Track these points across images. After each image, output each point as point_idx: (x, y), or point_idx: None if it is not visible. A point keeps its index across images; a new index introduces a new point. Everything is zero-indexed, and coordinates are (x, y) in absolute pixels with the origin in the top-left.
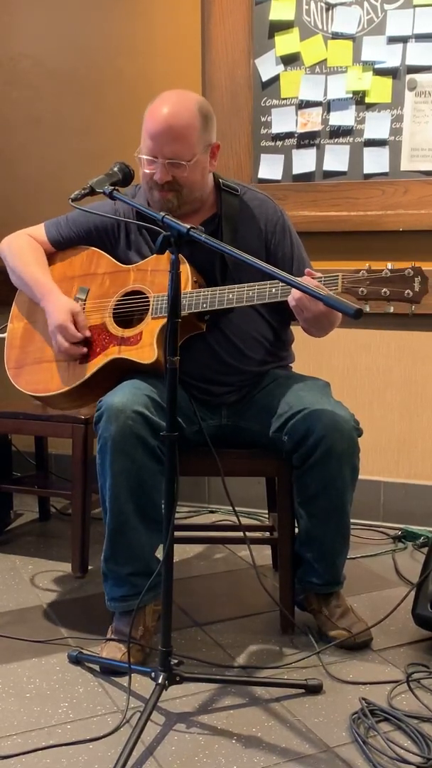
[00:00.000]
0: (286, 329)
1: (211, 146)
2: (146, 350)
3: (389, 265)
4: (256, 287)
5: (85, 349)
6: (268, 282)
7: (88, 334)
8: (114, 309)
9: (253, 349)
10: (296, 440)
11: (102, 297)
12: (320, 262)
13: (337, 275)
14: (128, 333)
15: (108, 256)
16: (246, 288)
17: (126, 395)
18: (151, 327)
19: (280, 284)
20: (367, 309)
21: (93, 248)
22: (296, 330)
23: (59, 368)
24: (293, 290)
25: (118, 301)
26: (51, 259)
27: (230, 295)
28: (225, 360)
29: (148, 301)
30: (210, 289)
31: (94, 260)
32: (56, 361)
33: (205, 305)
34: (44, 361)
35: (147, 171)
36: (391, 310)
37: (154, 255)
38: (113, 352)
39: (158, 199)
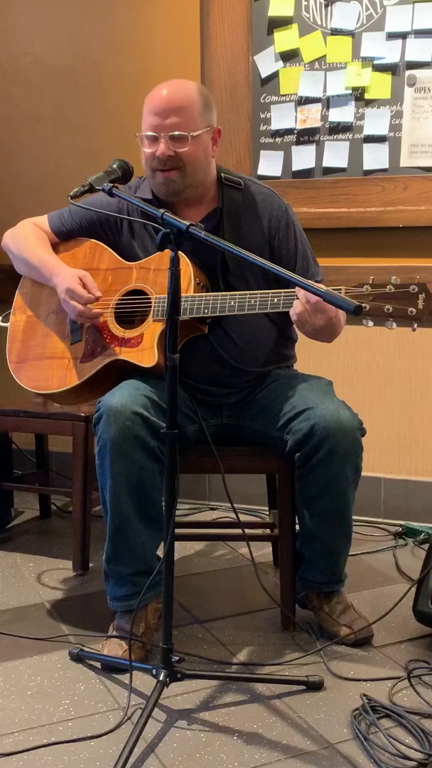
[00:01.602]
0: (290, 329)
1: (213, 130)
2: (147, 353)
3: (393, 278)
4: (259, 295)
5: (100, 312)
6: (271, 291)
7: (98, 294)
8: (115, 308)
9: (256, 350)
10: (299, 440)
11: (104, 294)
12: (320, 259)
13: (340, 289)
14: (129, 334)
15: (110, 250)
16: (248, 296)
17: (125, 396)
18: (152, 329)
19: (283, 294)
20: (371, 324)
21: (96, 241)
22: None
23: (60, 366)
24: (294, 303)
25: (120, 300)
26: (54, 250)
27: (232, 302)
28: (227, 362)
29: (150, 302)
30: (212, 294)
31: (97, 254)
32: (57, 358)
33: (206, 311)
34: (45, 358)
35: (148, 151)
36: (394, 326)
37: (157, 253)
38: (114, 353)
39: (161, 181)
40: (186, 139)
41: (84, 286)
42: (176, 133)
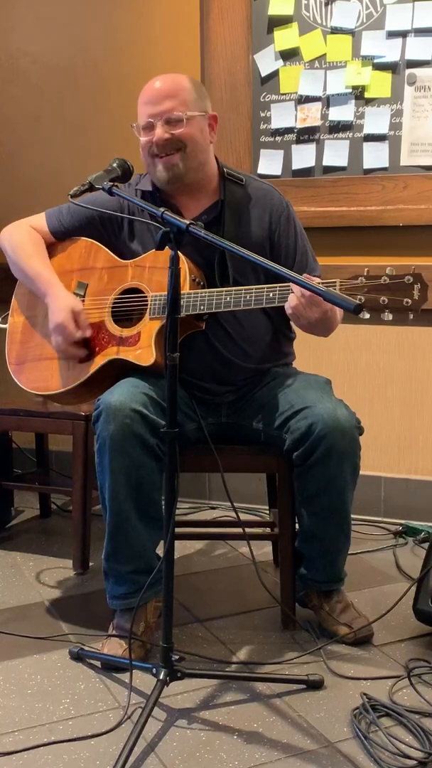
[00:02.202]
0: (288, 326)
1: (209, 116)
2: (145, 352)
3: (388, 270)
4: (254, 291)
5: (84, 351)
6: (266, 286)
7: (88, 334)
8: (112, 307)
9: (254, 346)
10: (297, 439)
11: (100, 294)
12: (320, 258)
13: (335, 281)
14: (127, 333)
15: (105, 249)
16: (243, 291)
17: (123, 394)
18: (149, 328)
19: (278, 289)
20: (367, 317)
21: (91, 240)
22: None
23: (59, 366)
24: (290, 297)
25: (116, 298)
26: (49, 250)
27: (227, 298)
28: (226, 358)
29: (146, 301)
30: (207, 291)
31: (92, 253)
32: (56, 359)
33: (202, 307)
34: (44, 359)
35: (145, 139)
36: (390, 318)
37: (153, 250)
38: (112, 353)
39: (162, 166)
40: (181, 120)
41: (76, 322)
42: (172, 115)
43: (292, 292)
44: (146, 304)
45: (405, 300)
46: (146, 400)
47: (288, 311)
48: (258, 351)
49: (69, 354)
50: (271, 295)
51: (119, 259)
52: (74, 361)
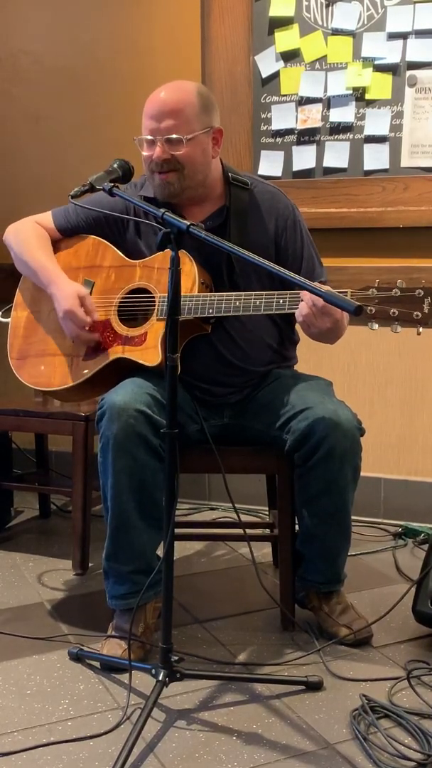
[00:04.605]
0: (292, 330)
1: (213, 130)
2: (150, 352)
3: (399, 282)
4: (264, 296)
5: (97, 335)
6: (276, 293)
7: (97, 317)
8: (119, 306)
9: (257, 350)
10: (298, 440)
11: (107, 292)
12: (321, 259)
13: (346, 291)
14: (133, 332)
15: (113, 247)
16: (253, 296)
17: (128, 394)
18: (156, 328)
19: (288, 295)
20: (375, 327)
21: (99, 238)
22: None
23: (62, 363)
24: (300, 306)
25: (123, 298)
26: (55, 247)
27: (237, 303)
28: (229, 360)
29: (154, 301)
30: (216, 294)
31: (100, 252)
32: (59, 355)
33: (210, 311)
34: (47, 355)
35: (146, 154)
36: (399, 330)
37: (161, 251)
38: (117, 351)
39: (159, 183)
40: (181, 141)
41: (83, 307)
42: (171, 136)
43: (303, 300)
44: (152, 305)
45: (415, 313)
46: (150, 401)
47: (299, 319)
48: (261, 354)
49: (83, 339)
50: (281, 301)
51: (127, 259)
52: (78, 358)
